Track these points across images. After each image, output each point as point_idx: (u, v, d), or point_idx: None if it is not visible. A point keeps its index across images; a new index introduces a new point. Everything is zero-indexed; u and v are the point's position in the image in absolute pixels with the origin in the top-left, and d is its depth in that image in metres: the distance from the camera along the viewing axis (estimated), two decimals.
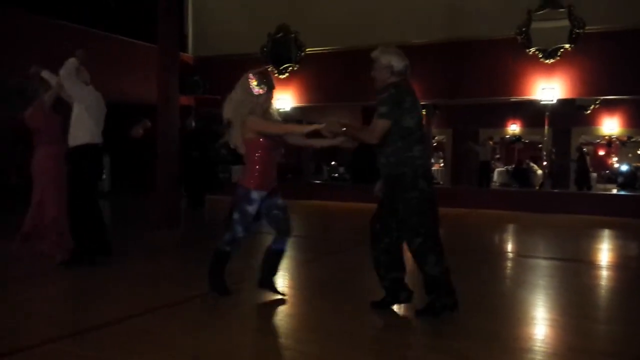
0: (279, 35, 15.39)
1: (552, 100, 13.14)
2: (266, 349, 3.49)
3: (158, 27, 9.03)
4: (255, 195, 4.25)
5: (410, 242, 4.11)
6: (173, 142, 9.03)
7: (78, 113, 5.73)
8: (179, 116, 9.25)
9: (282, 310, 4.30)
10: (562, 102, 13.69)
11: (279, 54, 15.32)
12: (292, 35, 15.20)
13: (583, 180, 15.73)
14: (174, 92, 9.14)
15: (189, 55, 16.34)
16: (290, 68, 15.11)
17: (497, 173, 18.84)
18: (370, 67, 4.30)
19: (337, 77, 14.39)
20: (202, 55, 16.36)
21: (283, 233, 4.52)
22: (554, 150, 16.22)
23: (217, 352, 3.37)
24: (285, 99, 15.02)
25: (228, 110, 4.36)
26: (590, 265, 7.14)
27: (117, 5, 14.49)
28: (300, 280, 5.77)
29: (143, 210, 11.80)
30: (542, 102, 13.36)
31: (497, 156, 19.63)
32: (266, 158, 4.29)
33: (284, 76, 15.21)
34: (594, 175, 18.52)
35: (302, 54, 14.99)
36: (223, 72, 15.64)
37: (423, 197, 4.10)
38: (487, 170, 16.73)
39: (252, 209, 4.27)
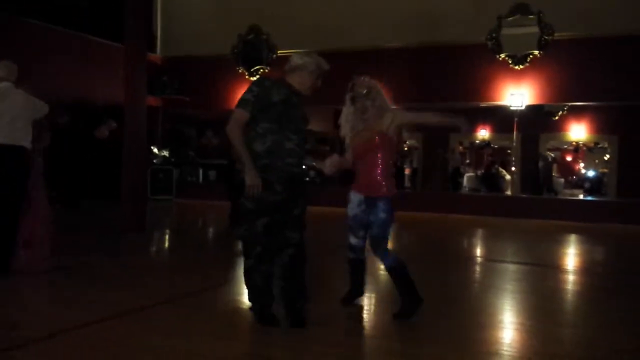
0: (250, 36, 15.29)
1: (521, 106, 13.29)
2: (233, 355, 3.38)
3: (125, 26, 8.85)
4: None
5: (300, 238, 3.88)
6: (140, 144, 8.84)
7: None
8: (145, 117, 9.05)
9: (249, 315, 4.17)
10: (531, 108, 13.87)
11: (249, 55, 15.20)
12: (264, 36, 15.11)
13: (536, 185, 15.88)
14: (141, 92, 8.95)
15: (157, 55, 16.10)
16: (262, 70, 15.00)
17: (467, 178, 18.98)
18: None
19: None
20: (170, 55, 16.14)
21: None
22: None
23: (198, 357, 3.28)
24: None
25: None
26: (557, 269, 7.19)
27: (85, 3, 14.20)
28: None
29: (109, 215, 11.58)
30: (511, 108, 13.50)
31: (467, 161, 19.77)
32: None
33: (254, 78, 15.10)
34: (561, 180, 18.78)
35: (274, 55, 14.90)
36: (192, 73, 15.49)
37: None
38: (456, 176, 16.86)
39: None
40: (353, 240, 4.31)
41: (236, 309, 4.36)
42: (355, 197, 4.22)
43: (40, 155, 5.59)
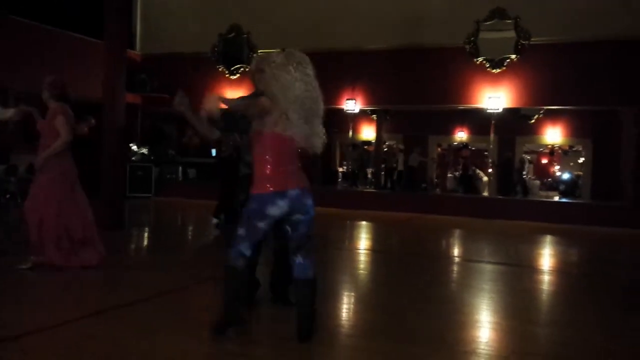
0: (231, 35, 15.24)
1: (497, 109, 13.48)
2: (217, 354, 3.39)
3: (105, 22, 8.77)
4: None
5: None
6: (118, 141, 8.78)
7: None
8: (124, 114, 8.99)
9: None
10: (508, 111, 14.07)
11: (230, 54, 15.16)
12: (244, 35, 15.08)
13: (508, 187, 16.08)
14: (120, 89, 8.88)
15: (136, 52, 15.96)
16: (242, 69, 14.97)
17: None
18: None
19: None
20: (150, 52, 16.01)
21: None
22: (496, 159, 16.57)
23: (170, 355, 3.28)
24: None
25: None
26: (533, 270, 7.31)
27: None
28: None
29: None
30: (488, 111, 13.68)
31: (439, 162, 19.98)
32: None
33: (234, 77, 15.07)
34: (537, 182, 19.06)
35: (255, 55, 14.86)
36: (171, 71, 15.39)
37: None
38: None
39: None
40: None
41: (218, 306, 4.36)
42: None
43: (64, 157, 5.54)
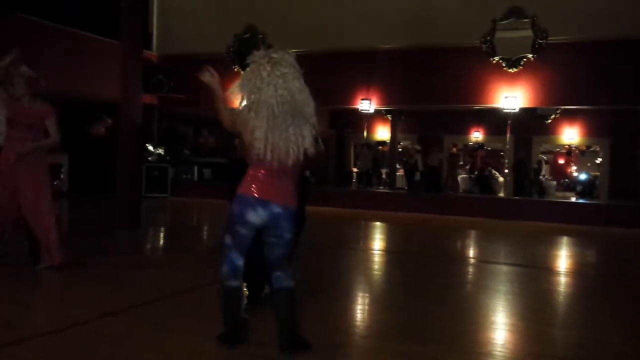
0: (246, 35, 15.30)
1: (514, 109, 13.38)
2: (232, 355, 3.40)
3: (122, 23, 8.85)
4: None
5: None
6: (134, 141, 8.85)
7: None
8: (140, 115, 9.06)
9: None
10: (524, 111, 13.96)
11: (245, 54, 15.10)
12: (260, 36, 15.12)
13: (522, 188, 15.96)
14: (136, 90, 8.95)
15: (153, 53, 16.08)
16: None
17: (460, 180, 19.06)
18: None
19: (305, 80, 14.36)
20: (166, 53, 16.12)
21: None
22: (520, 156, 16.43)
23: (185, 355, 3.29)
24: None
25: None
26: (549, 271, 7.25)
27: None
28: None
29: (102, 211, 11.57)
30: (504, 111, 13.59)
31: (461, 163, 19.86)
32: None
33: None
34: (554, 183, 18.89)
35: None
36: (188, 71, 15.43)
37: None
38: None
39: None
40: None
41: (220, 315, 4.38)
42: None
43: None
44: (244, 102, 3.10)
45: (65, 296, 4.59)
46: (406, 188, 16.82)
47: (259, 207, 3.16)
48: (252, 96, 3.06)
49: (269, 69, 3.05)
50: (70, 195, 13.70)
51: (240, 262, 3.29)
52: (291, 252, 3.38)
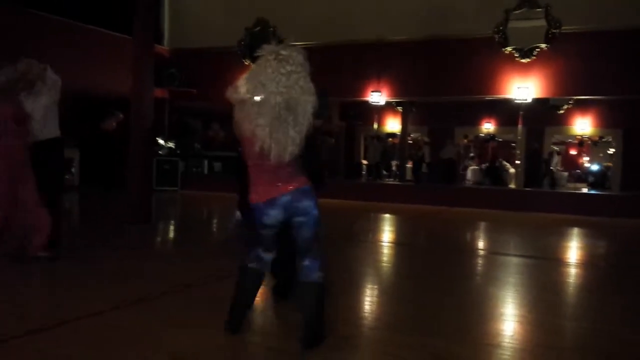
0: (257, 29, 15.30)
1: (526, 100, 13.29)
2: (244, 346, 3.44)
3: (133, 18, 8.88)
4: None
5: None
6: (145, 136, 8.90)
7: (49, 105, 5.66)
8: (152, 109, 9.11)
9: (259, 307, 4.24)
10: (536, 102, 13.87)
11: (256, 48, 15.12)
12: (270, 29, 15.12)
13: (536, 179, 15.87)
14: (148, 84, 8.99)
15: (164, 47, 16.13)
16: None
17: (471, 171, 19.00)
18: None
19: (316, 73, 14.35)
20: (178, 47, 16.17)
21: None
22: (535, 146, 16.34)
23: (195, 349, 3.32)
24: None
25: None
26: (560, 262, 7.24)
27: None
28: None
29: (113, 205, 11.67)
30: (516, 101, 13.51)
31: (471, 154, 19.79)
32: None
33: None
34: (565, 174, 18.78)
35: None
36: (199, 65, 15.53)
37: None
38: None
39: None
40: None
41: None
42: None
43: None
44: (248, 96, 3.10)
45: (77, 289, 4.64)
46: (411, 180, 16.77)
47: (269, 209, 3.22)
48: (256, 92, 3.06)
49: (274, 65, 3.04)
50: (81, 189, 13.83)
51: (266, 256, 3.41)
52: (318, 235, 3.34)
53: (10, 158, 5.35)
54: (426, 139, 19.00)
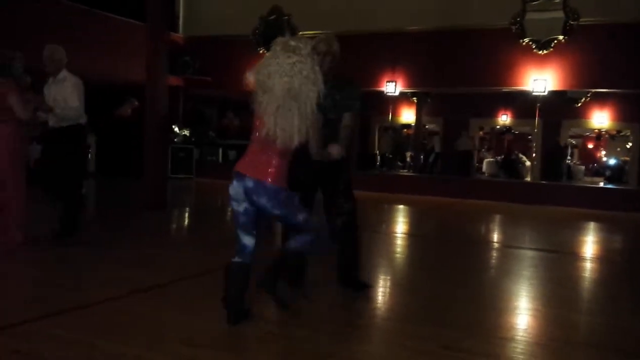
0: (272, 17, 15.24)
1: (543, 92, 13.13)
2: (256, 334, 3.44)
3: (148, 5, 8.88)
4: None
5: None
6: (160, 123, 8.93)
7: (73, 92, 5.71)
8: (167, 96, 9.13)
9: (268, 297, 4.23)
10: (554, 94, 13.71)
11: (271, 36, 15.04)
12: (285, 17, 15.05)
13: (557, 173, 15.74)
14: (162, 72, 9.01)
15: (179, 35, 16.13)
16: None
17: (486, 163, 18.89)
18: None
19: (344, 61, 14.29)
20: (192, 35, 16.15)
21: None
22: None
23: (212, 333, 3.33)
24: None
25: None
26: (575, 257, 7.17)
27: None
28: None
29: (128, 192, 11.75)
30: (533, 94, 13.35)
31: (487, 147, 19.68)
32: None
33: None
34: (582, 168, 18.60)
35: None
36: (213, 53, 15.52)
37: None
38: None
39: None
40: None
41: (254, 287, 4.42)
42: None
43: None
44: (258, 85, 3.23)
45: (92, 274, 4.68)
46: (420, 171, 16.70)
47: (235, 180, 3.33)
48: (265, 81, 3.19)
49: (281, 55, 3.18)
50: (97, 176, 13.93)
51: (246, 240, 3.43)
52: (306, 219, 3.46)
53: None
54: (436, 129, 18.85)
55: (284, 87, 3.14)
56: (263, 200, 3.29)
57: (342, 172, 4.21)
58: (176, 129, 15.61)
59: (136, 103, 6.96)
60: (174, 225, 8.37)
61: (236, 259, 3.46)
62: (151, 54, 8.93)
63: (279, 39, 3.29)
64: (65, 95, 5.75)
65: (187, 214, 9.68)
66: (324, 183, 4.22)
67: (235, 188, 3.33)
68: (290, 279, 4.10)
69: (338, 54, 4.09)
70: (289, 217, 3.43)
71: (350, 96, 4.17)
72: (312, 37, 3.78)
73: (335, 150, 3.69)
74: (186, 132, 16.03)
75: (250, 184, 3.27)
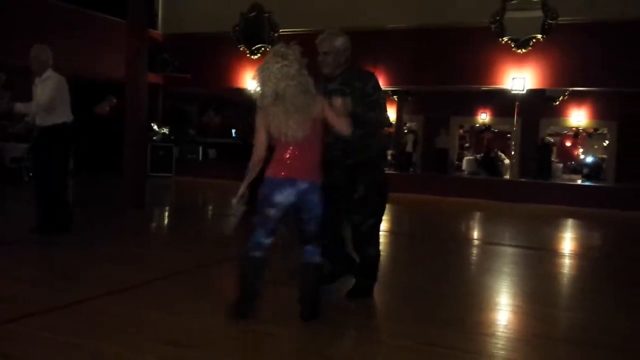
0: (252, 14, 15.16)
1: (522, 90, 13.25)
2: (240, 333, 3.41)
3: (127, 2, 8.77)
4: None
5: (363, 222, 4.11)
6: (139, 121, 8.83)
7: (57, 92, 5.70)
8: (146, 94, 9.02)
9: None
10: (532, 93, 13.84)
11: (251, 33, 15.08)
12: (266, 15, 14.99)
13: (545, 171, 15.93)
14: (142, 69, 8.90)
15: (158, 32, 15.97)
16: (263, 49, 14.89)
17: (466, 162, 19.02)
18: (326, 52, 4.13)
19: (311, 60, 14.24)
20: (172, 32, 15.99)
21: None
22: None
23: (189, 335, 3.29)
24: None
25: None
26: (554, 253, 7.24)
27: None
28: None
29: (108, 190, 11.61)
30: (512, 92, 13.47)
31: (467, 145, 19.82)
32: None
33: (256, 57, 15.01)
34: (560, 165, 18.83)
35: (276, 34, 14.76)
36: (193, 50, 15.39)
37: (384, 179, 4.21)
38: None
39: None
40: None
41: (233, 286, 4.39)
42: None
43: None
44: (259, 93, 3.42)
45: (70, 273, 4.60)
46: (401, 169, 16.75)
47: (287, 186, 3.39)
48: (263, 88, 3.39)
49: (271, 63, 3.39)
50: (76, 173, 13.72)
51: (266, 240, 3.49)
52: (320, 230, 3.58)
53: None
54: (412, 128, 18.92)
55: (273, 90, 3.35)
56: (315, 199, 3.46)
57: (367, 173, 4.06)
58: (155, 127, 15.47)
59: (114, 100, 6.89)
60: (154, 224, 8.28)
61: (257, 254, 3.49)
62: (131, 52, 8.82)
63: (273, 48, 3.53)
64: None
65: (166, 213, 9.59)
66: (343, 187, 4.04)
67: (286, 194, 3.39)
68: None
69: (343, 49, 4.13)
70: (319, 218, 3.52)
71: (363, 93, 4.05)
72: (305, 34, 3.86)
73: (338, 103, 3.60)
74: (165, 130, 15.90)
75: (305, 185, 3.41)
